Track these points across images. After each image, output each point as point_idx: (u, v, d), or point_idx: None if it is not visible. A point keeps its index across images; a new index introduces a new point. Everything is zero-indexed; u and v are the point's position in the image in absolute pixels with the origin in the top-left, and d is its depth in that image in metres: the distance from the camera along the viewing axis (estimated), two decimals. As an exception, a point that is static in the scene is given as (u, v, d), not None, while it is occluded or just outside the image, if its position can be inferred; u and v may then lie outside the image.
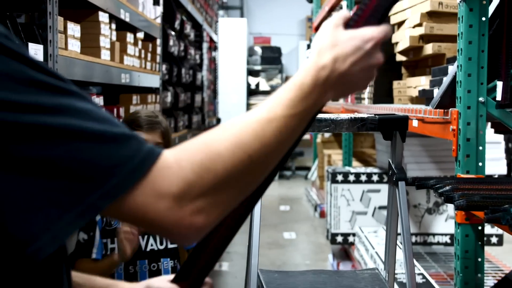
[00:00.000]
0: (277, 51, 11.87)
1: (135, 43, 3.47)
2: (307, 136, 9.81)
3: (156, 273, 2.21)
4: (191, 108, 6.09)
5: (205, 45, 7.30)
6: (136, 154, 0.74)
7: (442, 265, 3.51)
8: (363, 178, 4.39)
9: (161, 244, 2.23)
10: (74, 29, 2.40)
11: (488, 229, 3.73)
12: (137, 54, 3.49)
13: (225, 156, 0.79)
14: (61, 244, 0.77)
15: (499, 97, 2.11)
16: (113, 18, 3.00)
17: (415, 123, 2.56)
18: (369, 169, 4.55)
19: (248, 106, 11.15)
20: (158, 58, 4.15)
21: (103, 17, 2.78)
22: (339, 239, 4.47)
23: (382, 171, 4.42)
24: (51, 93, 0.72)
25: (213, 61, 8.50)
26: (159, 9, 4.18)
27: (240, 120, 0.85)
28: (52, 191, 0.70)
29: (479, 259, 2.19)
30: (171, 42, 4.70)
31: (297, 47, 12.04)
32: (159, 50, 4.19)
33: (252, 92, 11.65)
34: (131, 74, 3.28)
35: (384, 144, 4.33)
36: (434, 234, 3.94)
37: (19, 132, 0.69)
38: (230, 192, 0.81)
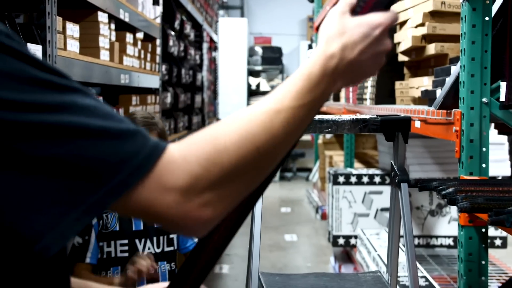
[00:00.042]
0: (278, 51, 11.87)
1: (135, 43, 3.46)
2: (308, 137, 9.80)
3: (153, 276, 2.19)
4: (191, 109, 6.08)
5: (205, 45, 7.28)
6: (141, 150, 0.74)
7: (445, 268, 3.49)
8: (365, 179, 4.37)
9: (158, 247, 2.22)
10: (73, 29, 2.40)
11: (492, 231, 3.70)
12: (136, 54, 3.48)
13: (232, 148, 0.79)
14: (65, 244, 0.77)
15: (502, 97, 2.10)
16: (112, 18, 2.99)
17: (417, 124, 2.54)
18: (371, 171, 4.53)
19: (249, 107, 11.13)
20: (157, 59, 4.14)
21: (102, 17, 2.78)
22: (341, 241, 4.45)
23: (384, 173, 4.40)
24: (53, 91, 0.72)
25: (213, 61, 8.49)
26: (159, 9, 4.17)
27: (247, 112, 0.84)
28: (58, 188, 0.70)
29: (483, 262, 2.17)
30: (171, 42, 4.68)
31: (298, 47, 12.03)
32: (158, 50, 4.17)
33: (253, 93, 11.64)
34: (131, 75, 3.27)
35: (386, 145, 4.32)
36: (437, 237, 3.92)
37: (22, 132, 0.69)
38: (237, 184, 0.80)
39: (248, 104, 11.25)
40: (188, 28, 5.81)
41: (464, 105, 2.16)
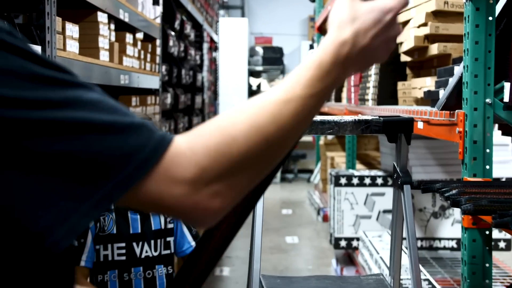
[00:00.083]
0: (278, 51, 11.86)
1: (135, 44, 3.44)
2: (309, 138, 9.79)
3: (151, 280, 2.18)
4: (191, 109, 6.06)
5: (205, 46, 7.26)
6: (147, 143, 0.74)
7: (449, 271, 3.46)
8: (367, 181, 4.35)
9: (156, 250, 2.19)
10: (72, 29, 2.38)
11: (496, 233, 3.68)
12: (136, 54, 3.46)
13: (240, 139, 0.79)
14: (74, 240, 0.78)
15: (506, 98, 2.09)
16: (112, 18, 2.98)
17: (420, 125, 2.53)
18: (373, 172, 4.51)
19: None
20: (157, 59, 4.13)
21: (102, 17, 2.76)
22: (343, 243, 4.43)
23: (386, 174, 4.37)
24: (57, 87, 0.72)
25: (213, 61, 8.47)
26: (159, 9, 4.15)
27: (256, 102, 0.83)
28: (65, 184, 0.70)
29: (487, 265, 2.16)
30: (171, 43, 4.66)
31: (299, 47, 12.02)
32: (158, 50, 4.16)
33: (254, 93, 11.61)
34: (130, 75, 3.25)
35: (389, 146, 4.30)
36: (440, 239, 3.89)
37: (28, 129, 0.69)
38: (246, 175, 0.80)
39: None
40: (188, 28, 5.79)
41: (468, 106, 2.14)
